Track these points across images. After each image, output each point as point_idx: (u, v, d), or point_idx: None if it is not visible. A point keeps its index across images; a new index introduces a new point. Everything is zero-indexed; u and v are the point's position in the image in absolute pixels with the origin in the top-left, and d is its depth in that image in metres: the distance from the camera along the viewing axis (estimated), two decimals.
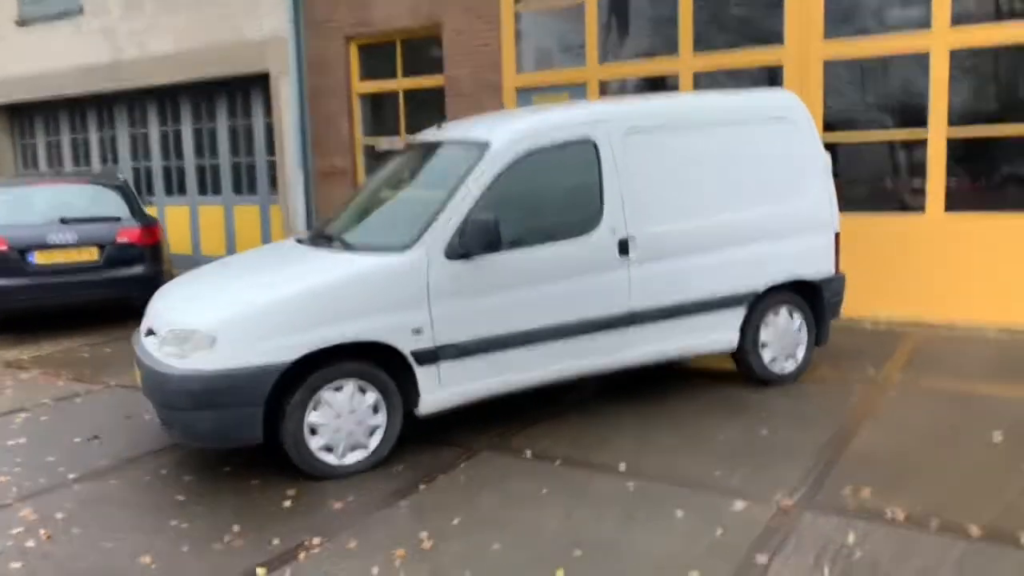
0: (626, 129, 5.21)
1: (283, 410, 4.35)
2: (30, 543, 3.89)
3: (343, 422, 4.47)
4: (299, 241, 5.50)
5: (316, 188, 10.89)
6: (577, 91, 8.76)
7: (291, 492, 4.34)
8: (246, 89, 11.79)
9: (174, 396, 4.28)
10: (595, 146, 5.12)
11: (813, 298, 5.88)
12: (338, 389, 4.45)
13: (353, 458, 4.53)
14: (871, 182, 7.64)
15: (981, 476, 4.20)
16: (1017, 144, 7.00)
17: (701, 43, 8.09)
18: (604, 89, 8.67)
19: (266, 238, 11.93)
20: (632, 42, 8.59)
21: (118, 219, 8.44)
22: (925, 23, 7.12)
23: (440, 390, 4.70)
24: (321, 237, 5.33)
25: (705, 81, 8.13)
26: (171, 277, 8.88)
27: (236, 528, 3.95)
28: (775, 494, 4.08)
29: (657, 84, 8.44)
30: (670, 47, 8.26)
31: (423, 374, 4.63)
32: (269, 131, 11.64)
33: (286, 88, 10.86)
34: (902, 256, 7.36)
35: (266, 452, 4.77)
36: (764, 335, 5.72)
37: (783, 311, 5.78)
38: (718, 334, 5.54)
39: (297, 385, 4.35)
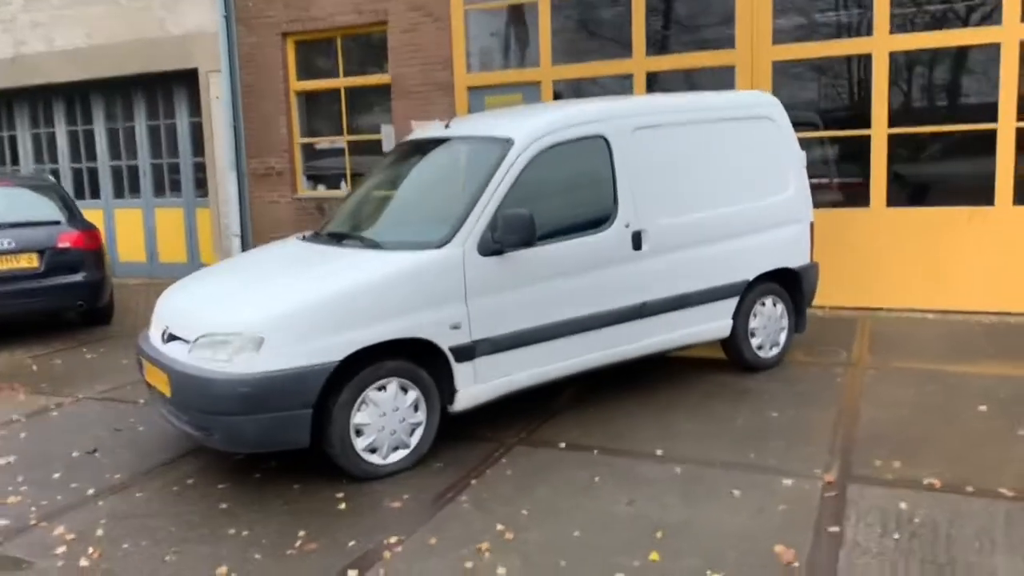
0: (634, 125, 5.37)
1: (328, 412, 4.26)
2: (83, 562, 3.67)
3: (387, 421, 4.43)
4: (305, 239, 5.37)
5: (251, 190, 10.55)
6: (530, 91, 8.89)
7: (339, 494, 4.26)
8: (168, 86, 11.28)
9: (219, 401, 4.12)
10: (607, 142, 5.25)
11: (793, 287, 6.23)
12: (381, 388, 4.41)
13: (396, 457, 4.49)
14: (817, 179, 8.11)
15: (986, 444, 4.59)
16: (951, 143, 7.64)
17: (653, 45, 8.38)
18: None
19: (192, 241, 11.46)
20: (586, 43, 8.79)
21: (57, 223, 7.94)
22: (868, 29, 7.64)
23: (475, 386, 4.72)
24: (332, 236, 5.23)
25: (656, 83, 8.43)
26: (111, 284, 8.47)
27: (302, 533, 3.86)
28: (813, 470, 4.33)
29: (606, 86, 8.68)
30: (623, 49, 8.51)
31: (460, 370, 4.63)
32: (194, 130, 11.19)
33: (217, 86, 10.48)
34: (846, 248, 7.85)
35: (290, 456, 4.64)
36: (753, 323, 6.02)
37: (768, 300, 6.09)
38: (715, 322, 5.78)
39: (342, 385, 4.28)
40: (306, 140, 10.41)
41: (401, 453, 4.51)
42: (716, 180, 5.74)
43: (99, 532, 3.95)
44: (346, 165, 10.18)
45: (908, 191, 7.86)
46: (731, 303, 5.84)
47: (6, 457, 5.00)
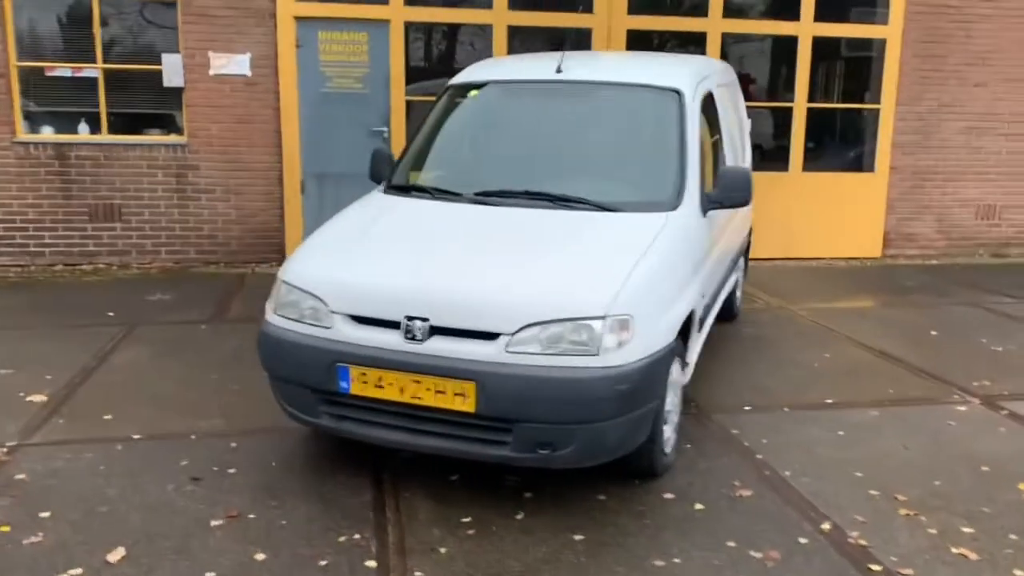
0: (716, 83, 5.35)
1: None
2: None
3: (675, 403, 3.91)
4: (434, 198, 4.25)
5: None
6: (378, 30, 7.88)
7: (668, 495, 3.69)
8: None
9: (588, 405, 3.21)
10: (713, 99, 5.17)
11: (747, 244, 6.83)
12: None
13: (671, 444, 3.96)
14: None
15: (1002, 358, 5.74)
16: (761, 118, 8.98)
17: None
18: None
19: None
20: None
21: None
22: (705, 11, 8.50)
23: (691, 356, 4.37)
24: (487, 195, 4.20)
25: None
26: None
27: (731, 544, 3.28)
28: (952, 395, 5.02)
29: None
30: None
31: (695, 340, 4.26)
32: None
33: None
34: None
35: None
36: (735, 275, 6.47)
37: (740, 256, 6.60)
38: (734, 276, 6.09)
39: None
40: (32, 64, 7.66)
41: (672, 439, 3.99)
42: (736, 141, 6.01)
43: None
44: (100, 101, 7.77)
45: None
46: (741, 259, 6.20)
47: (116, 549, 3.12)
